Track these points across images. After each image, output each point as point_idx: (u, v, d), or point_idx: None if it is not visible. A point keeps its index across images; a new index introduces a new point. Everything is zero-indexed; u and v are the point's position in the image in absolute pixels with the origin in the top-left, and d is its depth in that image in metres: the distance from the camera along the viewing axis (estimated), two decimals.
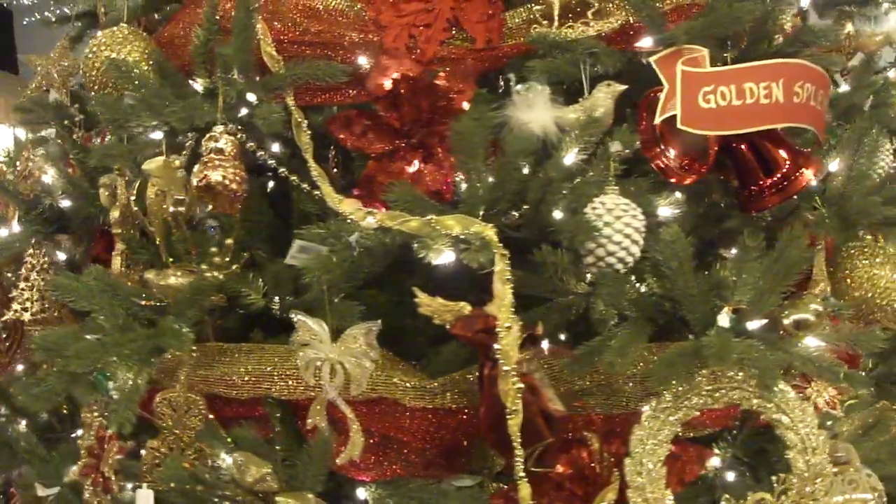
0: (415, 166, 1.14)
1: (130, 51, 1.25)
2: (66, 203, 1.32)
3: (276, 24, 1.25)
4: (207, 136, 1.10)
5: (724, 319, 1.06)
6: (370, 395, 1.09)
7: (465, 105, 1.15)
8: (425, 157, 1.15)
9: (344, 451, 1.07)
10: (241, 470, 0.98)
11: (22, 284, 1.27)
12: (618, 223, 1.02)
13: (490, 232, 0.95)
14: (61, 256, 1.47)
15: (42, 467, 1.15)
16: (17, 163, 1.36)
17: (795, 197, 1.24)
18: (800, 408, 1.03)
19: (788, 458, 1.02)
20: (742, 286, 1.05)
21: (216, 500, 0.98)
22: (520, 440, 0.95)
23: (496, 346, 0.96)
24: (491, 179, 1.03)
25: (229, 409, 1.16)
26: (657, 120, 1.10)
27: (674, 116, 1.09)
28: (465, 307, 1.02)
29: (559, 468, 1.10)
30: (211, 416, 1.11)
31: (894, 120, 1.78)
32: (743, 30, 1.19)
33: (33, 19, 1.32)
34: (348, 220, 1.07)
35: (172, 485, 0.98)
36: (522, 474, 0.95)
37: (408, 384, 1.09)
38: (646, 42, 1.15)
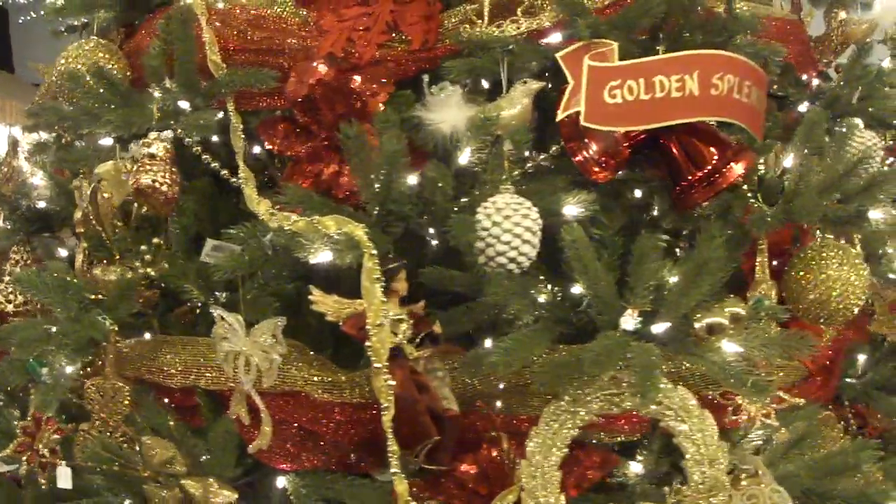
0: (332, 168, 1.18)
1: (94, 62, 1.36)
2: (42, 204, 1.46)
3: (224, 32, 1.33)
4: (141, 142, 1.19)
5: (627, 322, 1.03)
6: (283, 387, 1.14)
7: (380, 107, 1.18)
8: (342, 158, 1.18)
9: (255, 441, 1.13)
10: (148, 453, 1.05)
11: (6, 279, 1.42)
12: (506, 223, 1.01)
13: (359, 231, 0.97)
14: (63, 253, 1.63)
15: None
16: (3, 166, 1.51)
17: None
18: (699, 416, 0.98)
19: (685, 468, 0.97)
20: (640, 287, 1.01)
21: (131, 479, 1.07)
22: (393, 436, 0.97)
23: (367, 343, 0.98)
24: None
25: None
26: (558, 118, 1.07)
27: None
28: (361, 304, 1.05)
29: (465, 467, 1.11)
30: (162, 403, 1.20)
31: (888, 113, 1.65)
32: (670, 21, 1.14)
33: (28, 18, 1.43)
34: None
35: (91, 463, 1.07)
36: (396, 470, 0.97)
37: (316, 378, 1.13)
38: (555, 38, 1.13)
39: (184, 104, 1.22)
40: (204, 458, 1.10)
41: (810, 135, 1.25)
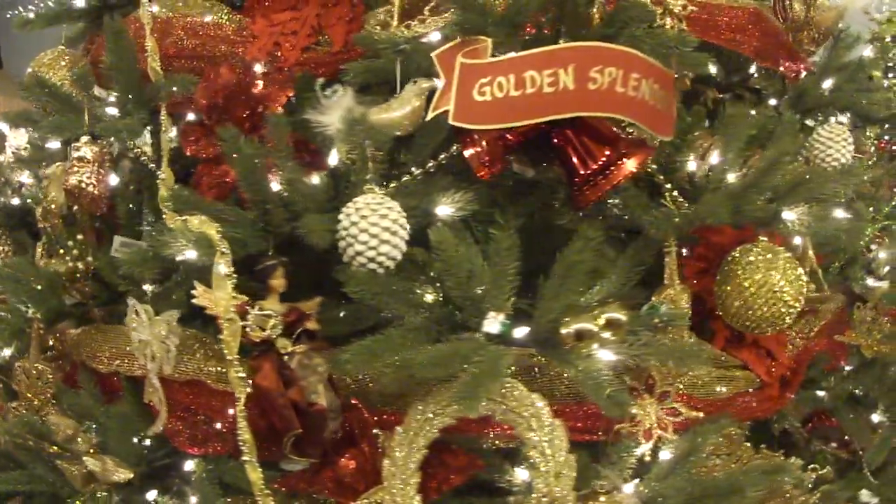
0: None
1: (56, 70, 1.49)
2: (15, 201, 1.61)
3: (164, 41, 1.42)
4: (73, 145, 1.30)
5: (491, 325, 1.01)
6: (184, 376, 1.21)
7: (279, 110, 1.21)
8: None
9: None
10: (55, 430, 1.15)
11: None
12: (363, 222, 1.02)
13: (212, 231, 1.01)
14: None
15: None
16: None
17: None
18: (550, 426, 0.95)
19: (532, 480, 0.94)
20: (496, 290, 0.98)
21: (44, 454, 1.17)
22: (257, 426, 1.01)
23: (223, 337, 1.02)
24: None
25: None
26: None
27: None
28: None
29: (343, 461, 1.13)
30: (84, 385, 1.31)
31: (865, 105, 1.51)
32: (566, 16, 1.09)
33: (16, 13, 1.55)
34: None
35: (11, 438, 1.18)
36: (249, 459, 1.00)
37: (210, 369, 1.19)
38: (434, 37, 1.11)
39: (112, 110, 1.31)
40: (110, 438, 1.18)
41: (732, 130, 1.16)
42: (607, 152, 1.07)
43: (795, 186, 1.15)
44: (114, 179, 1.33)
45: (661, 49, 1.10)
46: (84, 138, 1.30)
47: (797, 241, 1.31)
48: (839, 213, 1.30)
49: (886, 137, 1.71)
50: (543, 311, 1.01)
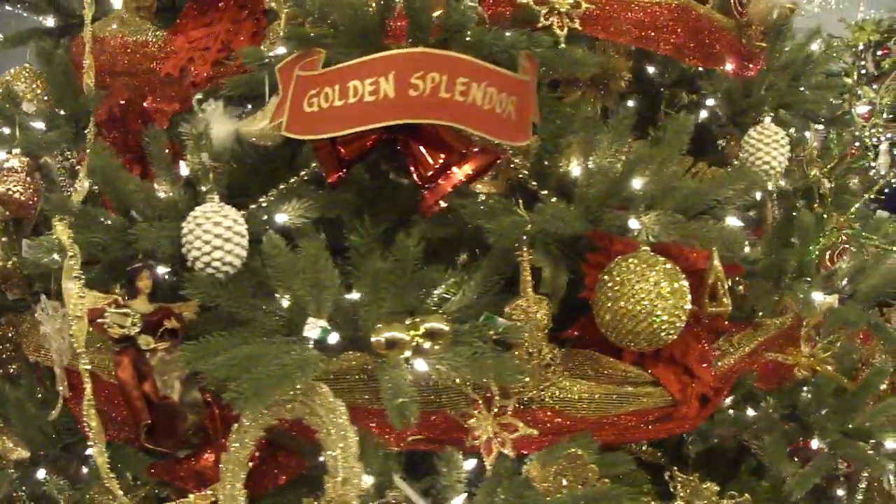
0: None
1: (17, 87, 1.64)
2: None
3: (100, 58, 1.54)
4: (4, 157, 1.44)
5: (311, 330, 1.03)
6: (75, 367, 1.31)
7: (166, 124, 1.29)
8: (143, 171, 1.32)
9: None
10: None
11: None
12: (198, 230, 1.07)
13: (64, 235, 1.09)
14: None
15: None
16: None
17: None
18: (344, 434, 0.95)
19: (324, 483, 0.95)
20: (316, 296, 1.00)
21: None
22: (94, 414, 1.09)
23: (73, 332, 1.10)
24: None
25: None
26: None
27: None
28: (109, 299, 1.17)
29: (207, 456, 1.18)
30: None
31: (809, 103, 1.39)
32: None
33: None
34: None
35: None
36: (96, 444, 1.09)
37: (98, 362, 1.28)
38: (280, 51, 1.14)
39: (38, 124, 1.45)
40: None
41: (587, 133, 1.11)
42: (441, 158, 1.06)
43: (665, 193, 1.09)
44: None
45: (500, 52, 1.08)
46: (15, 150, 1.45)
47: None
48: (733, 221, 1.21)
49: (857, 144, 1.56)
50: (361, 319, 1.02)
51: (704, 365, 1.43)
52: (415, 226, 1.16)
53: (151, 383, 1.14)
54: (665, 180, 1.12)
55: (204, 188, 1.10)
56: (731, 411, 1.46)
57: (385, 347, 1.00)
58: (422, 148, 1.08)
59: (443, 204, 1.13)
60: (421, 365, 1.00)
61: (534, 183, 1.21)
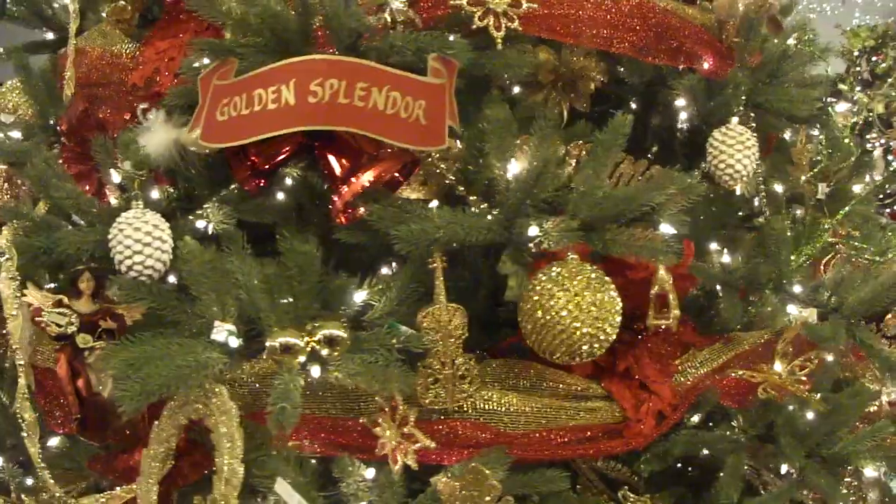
0: (92, 187, 1.38)
1: (11, 98, 1.76)
2: None
3: (79, 70, 1.62)
4: None
5: (218, 334, 1.05)
6: (42, 363, 1.39)
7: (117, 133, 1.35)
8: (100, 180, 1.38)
9: None
10: None
11: None
12: (120, 235, 1.11)
13: (2, 239, 1.16)
14: None
15: None
16: None
17: None
18: (230, 434, 0.97)
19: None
20: (219, 300, 1.02)
21: None
22: (28, 406, 1.16)
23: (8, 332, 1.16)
24: None
25: None
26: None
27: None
28: (54, 299, 1.24)
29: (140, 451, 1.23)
30: None
31: (783, 101, 1.30)
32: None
33: None
34: None
35: None
36: (28, 436, 1.15)
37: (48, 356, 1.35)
38: (205, 61, 1.17)
39: (15, 134, 1.54)
40: None
41: (499, 137, 1.08)
42: (343, 164, 1.06)
43: (581, 199, 1.04)
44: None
45: (412, 56, 1.06)
46: None
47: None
48: (667, 229, 1.14)
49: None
50: (262, 325, 1.03)
51: (664, 380, 1.37)
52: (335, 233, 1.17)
53: (84, 379, 1.19)
54: (581, 185, 1.07)
55: (131, 194, 1.14)
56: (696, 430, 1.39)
57: (280, 352, 1.00)
58: (331, 155, 1.08)
59: (362, 210, 1.13)
60: (316, 371, 1.00)
61: (461, 188, 1.19)
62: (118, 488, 1.17)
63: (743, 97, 1.39)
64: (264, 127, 1.04)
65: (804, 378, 1.36)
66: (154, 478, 1.09)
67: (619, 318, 1.13)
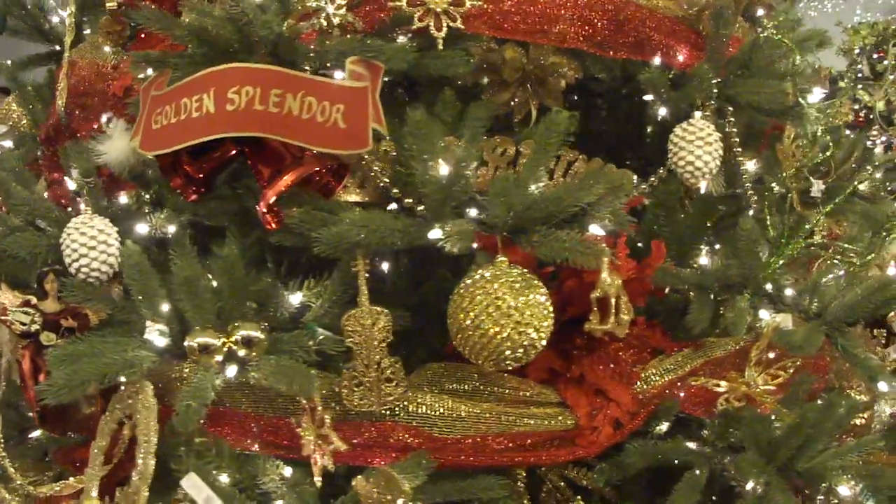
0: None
1: (15, 109, 1.87)
2: None
3: (71, 81, 1.72)
4: None
5: (150, 333, 1.09)
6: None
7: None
8: None
9: None
10: None
11: None
12: (68, 239, 1.18)
13: None
14: None
15: None
16: None
17: None
18: (147, 430, 1.00)
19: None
20: (149, 301, 1.06)
21: None
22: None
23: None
24: None
25: None
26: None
27: None
28: (22, 298, 1.32)
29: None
30: None
31: (752, 94, 1.23)
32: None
33: None
34: None
35: None
36: None
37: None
38: (149, 72, 1.21)
39: (7, 143, 1.65)
40: None
41: (418, 139, 1.06)
42: (267, 168, 1.07)
43: (496, 198, 1.01)
44: None
45: (333, 61, 1.06)
46: None
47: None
48: (595, 230, 1.09)
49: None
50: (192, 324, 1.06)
51: (622, 387, 1.32)
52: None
53: (46, 375, 1.27)
54: (499, 185, 1.04)
55: (85, 199, 1.21)
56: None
57: (198, 352, 1.04)
58: (258, 161, 1.10)
59: (293, 214, 1.14)
60: (233, 371, 1.03)
61: (395, 191, 1.18)
62: (71, 478, 1.23)
63: (714, 90, 1.32)
64: (189, 135, 1.08)
65: (773, 388, 1.28)
66: (97, 468, 1.15)
67: (548, 323, 1.10)
